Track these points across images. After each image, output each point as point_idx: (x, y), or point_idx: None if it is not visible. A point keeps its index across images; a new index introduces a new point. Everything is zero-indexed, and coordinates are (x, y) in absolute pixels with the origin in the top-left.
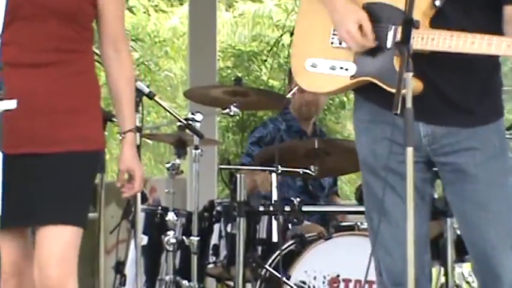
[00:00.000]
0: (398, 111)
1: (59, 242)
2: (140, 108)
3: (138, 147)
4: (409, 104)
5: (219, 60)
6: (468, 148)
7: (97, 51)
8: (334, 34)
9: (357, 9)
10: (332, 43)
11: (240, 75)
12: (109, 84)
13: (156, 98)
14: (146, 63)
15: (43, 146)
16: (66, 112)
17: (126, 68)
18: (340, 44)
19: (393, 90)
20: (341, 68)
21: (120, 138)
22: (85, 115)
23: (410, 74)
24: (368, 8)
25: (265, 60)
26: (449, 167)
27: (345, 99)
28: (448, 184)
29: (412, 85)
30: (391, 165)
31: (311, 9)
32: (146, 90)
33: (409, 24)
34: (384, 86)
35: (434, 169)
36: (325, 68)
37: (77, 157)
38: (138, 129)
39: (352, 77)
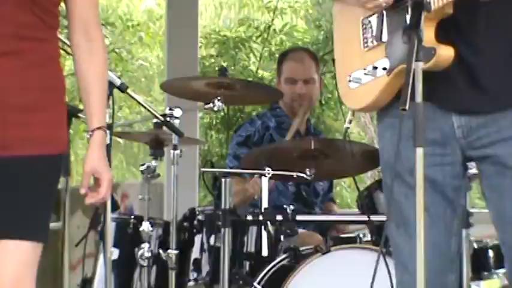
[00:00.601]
0: (407, 107)
1: (12, 260)
2: (111, 102)
3: (109, 147)
4: (418, 98)
5: (201, 47)
6: (508, 138)
7: (63, 39)
8: (364, 33)
9: None
10: (365, 46)
11: (225, 64)
12: (77, 76)
13: (128, 90)
14: (117, 50)
15: None
16: (21, 110)
17: (99, 59)
18: (371, 42)
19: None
20: (375, 68)
21: (87, 136)
22: (44, 113)
23: (420, 64)
24: None
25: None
26: (488, 160)
27: None
28: (485, 178)
29: (443, 55)
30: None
31: (341, 22)
32: (118, 81)
33: (419, 7)
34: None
35: (470, 172)
36: (364, 77)
37: (32, 162)
38: (109, 127)
39: (388, 71)
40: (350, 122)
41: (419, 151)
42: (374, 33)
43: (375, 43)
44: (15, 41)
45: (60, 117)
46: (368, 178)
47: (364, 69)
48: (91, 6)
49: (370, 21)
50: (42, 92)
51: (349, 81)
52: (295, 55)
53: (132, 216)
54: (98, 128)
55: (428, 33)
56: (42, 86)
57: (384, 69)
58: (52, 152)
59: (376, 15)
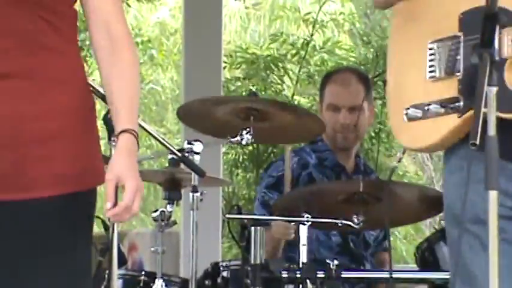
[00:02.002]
0: (477, 141)
1: None
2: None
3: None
4: (491, 130)
5: (224, 68)
6: None
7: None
8: (431, 59)
9: None
10: (431, 76)
11: (254, 89)
12: (103, 84)
13: (139, 120)
14: None
15: (3, 190)
16: (41, 141)
17: (125, 60)
18: (440, 73)
19: (507, 116)
20: (444, 106)
21: (112, 143)
22: (70, 141)
23: (494, 89)
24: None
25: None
26: None
27: None
28: None
29: None
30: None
31: (400, 40)
32: None
33: (491, 21)
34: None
35: None
36: (427, 112)
37: (60, 203)
38: None
39: (460, 112)
40: (399, 160)
41: (493, 195)
42: (445, 63)
43: (444, 75)
44: (20, 56)
45: (90, 144)
46: (426, 227)
47: (428, 104)
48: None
49: (440, 47)
50: (65, 116)
51: (406, 114)
52: (339, 77)
53: (143, 273)
54: (124, 131)
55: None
56: (64, 108)
57: (455, 108)
58: (82, 189)
59: (450, 41)
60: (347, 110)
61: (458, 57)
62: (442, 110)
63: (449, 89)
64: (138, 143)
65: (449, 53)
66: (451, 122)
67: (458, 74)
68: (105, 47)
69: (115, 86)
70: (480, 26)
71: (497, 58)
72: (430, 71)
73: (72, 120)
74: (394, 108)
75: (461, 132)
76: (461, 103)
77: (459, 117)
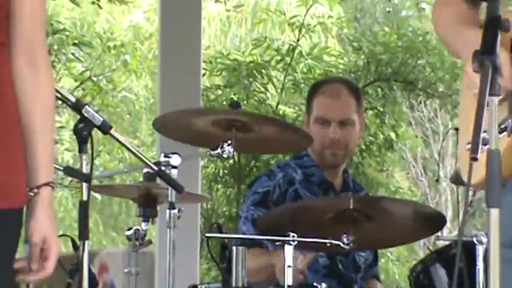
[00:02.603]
0: (479, 155)
1: None
2: (88, 146)
3: (86, 205)
4: (493, 143)
5: (204, 75)
6: None
7: None
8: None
9: None
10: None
11: (236, 97)
12: (20, 113)
13: (112, 131)
14: (94, 79)
15: None
16: None
17: (47, 95)
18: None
19: None
20: (502, 130)
21: (31, 195)
22: None
23: (496, 98)
24: None
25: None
26: None
27: (392, 135)
28: None
29: None
30: None
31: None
32: (98, 119)
33: (493, 26)
34: None
35: None
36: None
37: None
38: (86, 179)
39: (510, 132)
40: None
41: (494, 213)
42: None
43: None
44: None
45: (15, 156)
46: (420, 248)
47: (485, 131)
48: (38, 26)
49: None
50: None
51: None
52: (329, 88)
53: None
54: (46, 184)
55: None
56: None
57: (504, 129)
58: (3, 207)
59: None
60: (337, 124)
61: None
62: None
63: (504, 111)
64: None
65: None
66: (503, 144)
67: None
68: (27, 75)
69: (40, 128)
70: None
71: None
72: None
73: None
74: (462, 148)
75: None
76: (510, 121)
77: (509, 135)
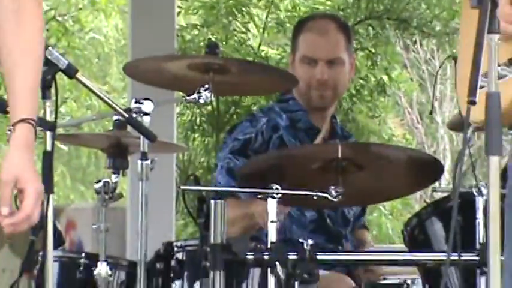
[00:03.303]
0: (476, 98)
1: None
2: (53, 92)
3: (50, 155)
4: (492, 86)
5: (179, 14)
6: None
7: None
8: None
9: None
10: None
11: (214, 38)
12: (1, 53)
13: (78, 75)
14: (60, 18)
15: None
16: None
17: (32, 31)
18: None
19: None
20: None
21: (8, 133)
22: None
23: (496, 37)
24: None
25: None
26: None
27: (384, 78)
28: None
29: None
30: None
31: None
32: (63, 62)
33: None
34: None
35: None
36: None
37: None
38: (50, 127)
39: None
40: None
41: (494, 161)
42: None
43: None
44: None
45: None
46: (416, 201)
47: (498, 65)
48: None
49: None
50: None
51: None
52: (315, 24)
53: (83, 254)
54: (22, 121)
55: None
56: None
57: None
58: None
59: None
60: (325, 63)
61: None
62: (505, 72)
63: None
64: (36, 134)
65: None
66: None
67: None
68: (9, 11)
69: (19, 64)
70: None
71: None
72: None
73: None
74: (462, 79)
75: None
76: None
77: None
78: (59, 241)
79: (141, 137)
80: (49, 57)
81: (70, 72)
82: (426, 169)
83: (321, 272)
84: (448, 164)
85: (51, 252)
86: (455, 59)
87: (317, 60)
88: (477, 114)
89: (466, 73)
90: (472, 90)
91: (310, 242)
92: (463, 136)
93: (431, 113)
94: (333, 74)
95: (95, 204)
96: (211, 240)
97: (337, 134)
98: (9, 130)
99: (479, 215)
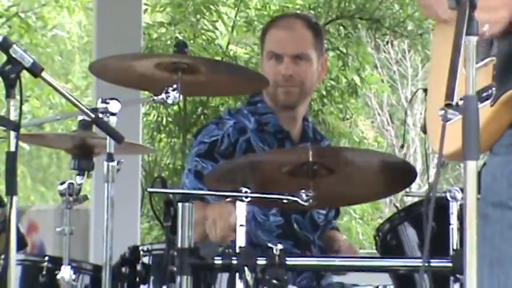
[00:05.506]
0: (454, 101)
1: None
2: (17, 91)
3: (14, 156)
4: (470, 89)
5: (145, 11)
6: None
7: None
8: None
9: None
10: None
11: (181, 37)
12: None
13: (44, 74)
14: (22, 15)
15: None
16: None
17: None
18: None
19: None
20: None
21: None
22: None
23: (473, 38)
24: None
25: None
26: None
27: (356, 79)
28: None
29: None
30: None
31: (441, 43)
32: (28, 61)
33: None
34: None
35: None
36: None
37: None
38: (14, 127)
39: (493, 101)
40: (443, 165)
41: (471, 165)
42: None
43: (480, 63)
44: None
45: None
46: (386, 205)
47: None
48: None
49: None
50: None
51: (439, 115)
52: (283, 22)
53: (46, 258)
54: None
55: None
56: None
57: (487, 97)
58: None
59: None
60: (290, 58)
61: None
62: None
63: (484, 77)
64: None
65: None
66: (484, 113)
67: (493, 57)
68: None
69: None
70: None
71: None
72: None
73: None
74: (431, 112)
75: (498, 126)
76: (494, 90)
77: (492, 105)
78: (21, 244)
79: (107, 137)
80: (13, 55)
81: (35, 70)
82: (399, 174)
83: None
84: (418, 167)
85: (13, 256)
86: (425, 90)
87: (283, 56)
88: (448, 146)
89: (437, 105)
90: (450, 94)
91: (279, 246)
92: (436, 167)
93: (402, 146)
94: (298, 70)
95: (58, 206)
96: (179, 244)
97: (309, 137)
98: None
99: (453, 220)
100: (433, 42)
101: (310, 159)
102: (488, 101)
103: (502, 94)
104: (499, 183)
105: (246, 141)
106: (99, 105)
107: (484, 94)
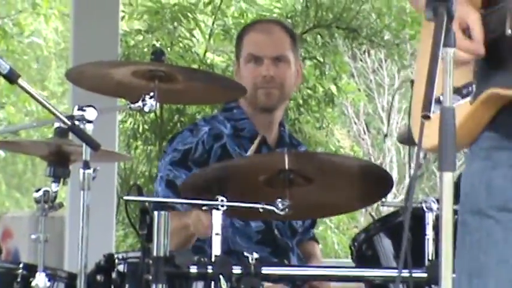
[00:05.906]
0: (431, 113)
1: None
2: None
3: None
4: (447, 100)
5: (122, 18)
6: None
7: None
8: None
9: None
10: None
11: (158, 44)
12: None
13: (20, 81)
14: None
15: None
16: None
17: None
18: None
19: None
20: (459, 92)
21: None
22: None
23: (451, 50)
24: None
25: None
26: None
27: (332, 88)
28: None
29: None
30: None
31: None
32: (5, 67)
33: None
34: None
35: None
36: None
37: None
38: None
39: (472, 99)
40: (420, 166)
41: (447, 177)
42: None
43: (460, 101)
44: None
45: None
46: (362, 215)
47: (442, 95)
48: None
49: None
50: None
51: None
52: (260, 26)
53: (20, 265)
54: None
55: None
56: None
57: (467, 94)
58: None
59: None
60: (270, 60)
61: None
62: (457, 97)
63: (465, 74)
64: None
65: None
66: (463, 110)
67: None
68: None
69: None
70: None
71: None
72: None
73: None
74: (416, 107)
75: (477, 123)
76: (474, 88)
77: (471, 103)
78: None
79: (84, 145)
80: None
81: (12, 77)
82: (376, 183)
83: (266, 286)
84: (394, 177)
85: None
86: (412, 81)
87: (262, 58)
88: (428, 139)
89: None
90: (427, 105)
91: (255, 255)
92: (415, 153)
93: (386, 136)
94: (278, 71)
95: (33, 213)
96: (154, 253)
97: (285, 142)
98: None
99: (429, 231)
100: (422, 33)
101: (287, 166)
102: (468, 98)
103: (481, 92)
104: (477, 191)
105: (221, 147)
106: (76, 112)
107: (465, 91)
